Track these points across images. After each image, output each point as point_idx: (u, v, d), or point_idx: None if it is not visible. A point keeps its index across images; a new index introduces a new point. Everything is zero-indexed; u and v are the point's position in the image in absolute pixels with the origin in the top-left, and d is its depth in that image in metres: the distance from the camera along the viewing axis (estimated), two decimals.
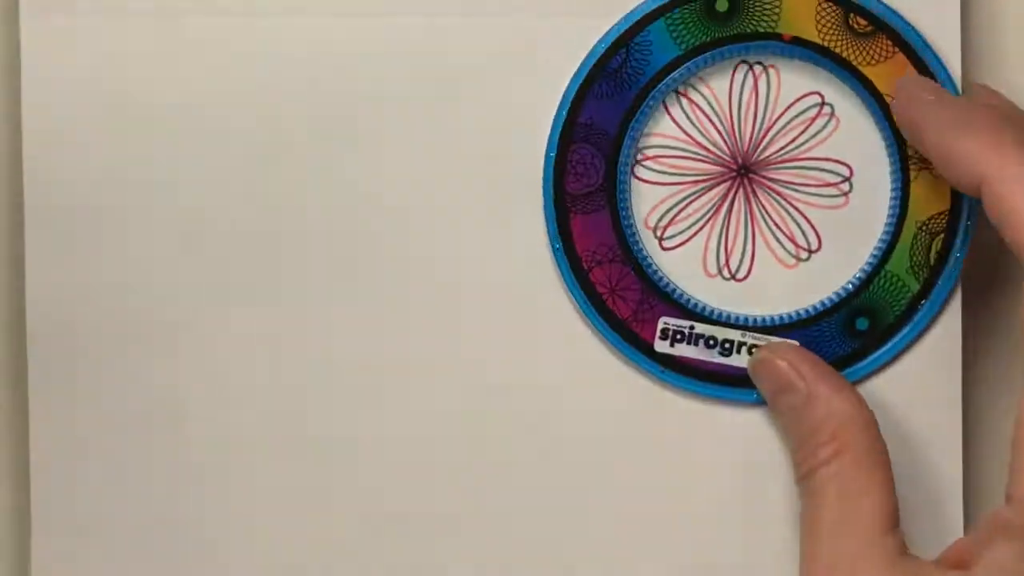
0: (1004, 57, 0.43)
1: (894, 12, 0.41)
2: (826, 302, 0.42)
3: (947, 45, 0.41)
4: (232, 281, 0.42)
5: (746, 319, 0.42)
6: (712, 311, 0.42)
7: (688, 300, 0.42)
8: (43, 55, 0.41)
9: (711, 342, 0.41)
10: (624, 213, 0.41)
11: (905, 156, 0.41)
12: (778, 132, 0.42)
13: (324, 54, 0.41)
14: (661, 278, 0.42)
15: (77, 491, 0.42)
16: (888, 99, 0.41)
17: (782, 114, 0.42)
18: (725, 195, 0.42)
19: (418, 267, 0.42)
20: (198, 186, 0.41)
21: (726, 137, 0.42)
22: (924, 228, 0.41)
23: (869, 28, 0.41)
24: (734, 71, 0.42)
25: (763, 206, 0.42)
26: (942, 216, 0.41)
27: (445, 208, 0.42)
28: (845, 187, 0.42)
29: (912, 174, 0.41)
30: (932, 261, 0.41)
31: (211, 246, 0.42)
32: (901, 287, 0.41)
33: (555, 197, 0.41)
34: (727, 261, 0.42)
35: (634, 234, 0.42)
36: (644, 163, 0.42)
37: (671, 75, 0.41)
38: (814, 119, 0.42)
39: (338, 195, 0.42)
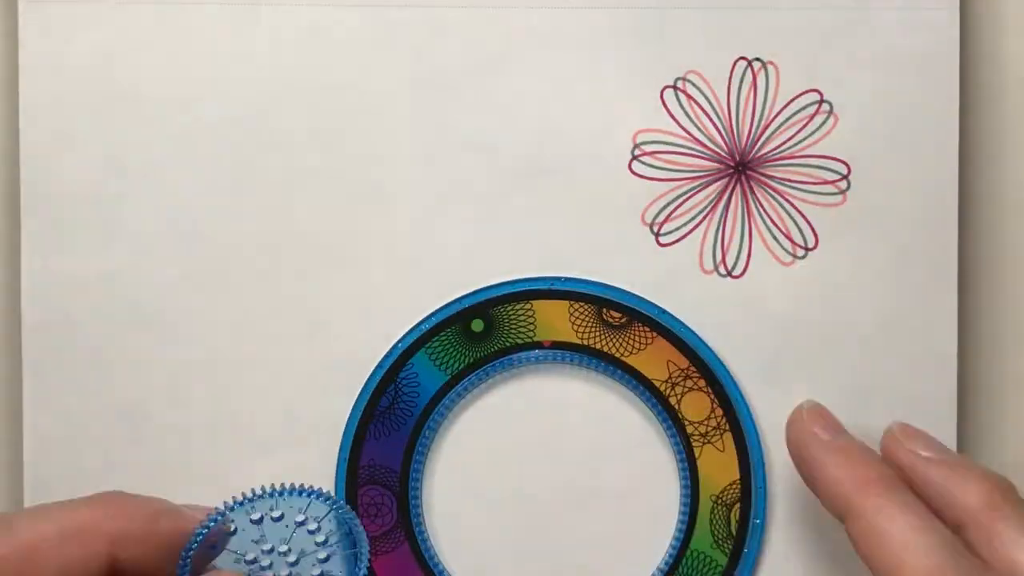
0: (1004, 58, 0.43)
1: (645, 300, 0.41)
2: None
3: (945, 47, 0.41)
4: (229, 271, 0.42)
5: None
6: None
7: None
8: (41, 44, 0.41)
9: None
10: (425, 546, 0.41)
11: (686, 436, 0.41)
12: (776, 129, 0.42)
13: (324, 43, 0.41)
14: None
15: (71, 482, 0.42)
16: (657, 383, 0.41)
17: (781, 111, 0.42)
18: (722, 192, 0.42)
19: (409, 258, 0.42)
20: (195, 175, 0.41)
21: (724, 133, 0.42)
22: (719, 501, 0.41)
23: (623, 319, 0.41)
24: (733, 66, 0.42)
25: (760, 203, 0.42)
26: (734, 486, 0.41)
27: (440, 201, 0.42)
28: (843, 185, 0.42)
29: (696, 451, 0.41)
30: (734, 532, 0.41)
31: (208, 235, 0.42)
32: (710, 563, 0.41)
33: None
34: (724, 258, 0.42)
35: (438, 564, 0.41)
36: (641, 158, 0.42)
37: (442, 402, 0.41)
38: (812, 116, 0.42)
39: (334, 185, 0.42)
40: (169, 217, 0.41)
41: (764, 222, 0.42)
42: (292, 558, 0.39)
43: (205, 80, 0.41)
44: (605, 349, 0.41)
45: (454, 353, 0.41)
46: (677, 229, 0.42)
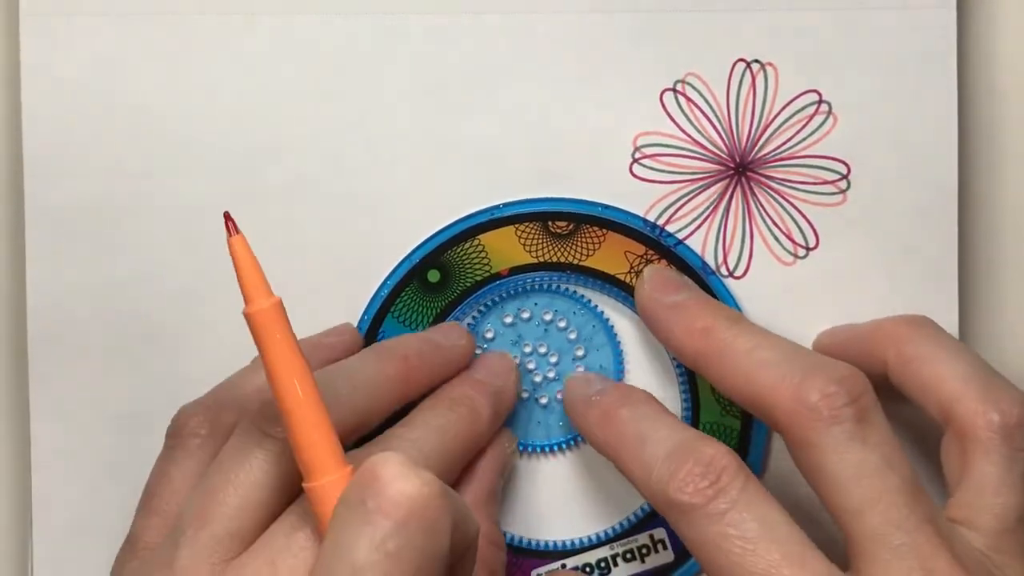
0: (1001, 57, 0.43)
1: (586, 201, 0.41)
2: None
3: (943, 46, 0.41)
4: (231, 281, 0.42)
5: (606, 533, 0.42)
6: (574, 542, 0.42)
7: (547, 543, 0.42)
8: (43, 55, 0.41)
9: (588, 569, 0.42)
10: None
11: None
12: (776, 130, 0.42)
13: (324, 53, 0.42)
14: (513, 536, 0.42)
15: (77, 491, 0.42)
16: (621, 276, 0.41)
17: (780, 112, 0.42)
18: (723, 193, 0.42)
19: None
20: (198, 185, 0.42)
21: (724, 135, 0.42)
22: None
23: (570, 227, 0.41)
24: (732, 68, 0.42)
25: (761, 204, 0.42)
26: None
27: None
28: (843, 185, 0.42)
29: None
30: None
31: (211, 245, 0.42)
32: (725, 431, 0.42)
33: None
34: (725, 259, 0.42)
35: None
36: (642, 161, 0.42)
37: None
38: (812, 116, 0.42)
39: (336, 195, 0.42)
40: (172, 227, 0.42)
41: (765, 223, 0.42)
42: (553, 358, 0.39)
43: (205, 90, 0.41)
44: (562, 260, 0.42)
45: (419, 308, 0.41)
46: (679, 231, 0.42)
